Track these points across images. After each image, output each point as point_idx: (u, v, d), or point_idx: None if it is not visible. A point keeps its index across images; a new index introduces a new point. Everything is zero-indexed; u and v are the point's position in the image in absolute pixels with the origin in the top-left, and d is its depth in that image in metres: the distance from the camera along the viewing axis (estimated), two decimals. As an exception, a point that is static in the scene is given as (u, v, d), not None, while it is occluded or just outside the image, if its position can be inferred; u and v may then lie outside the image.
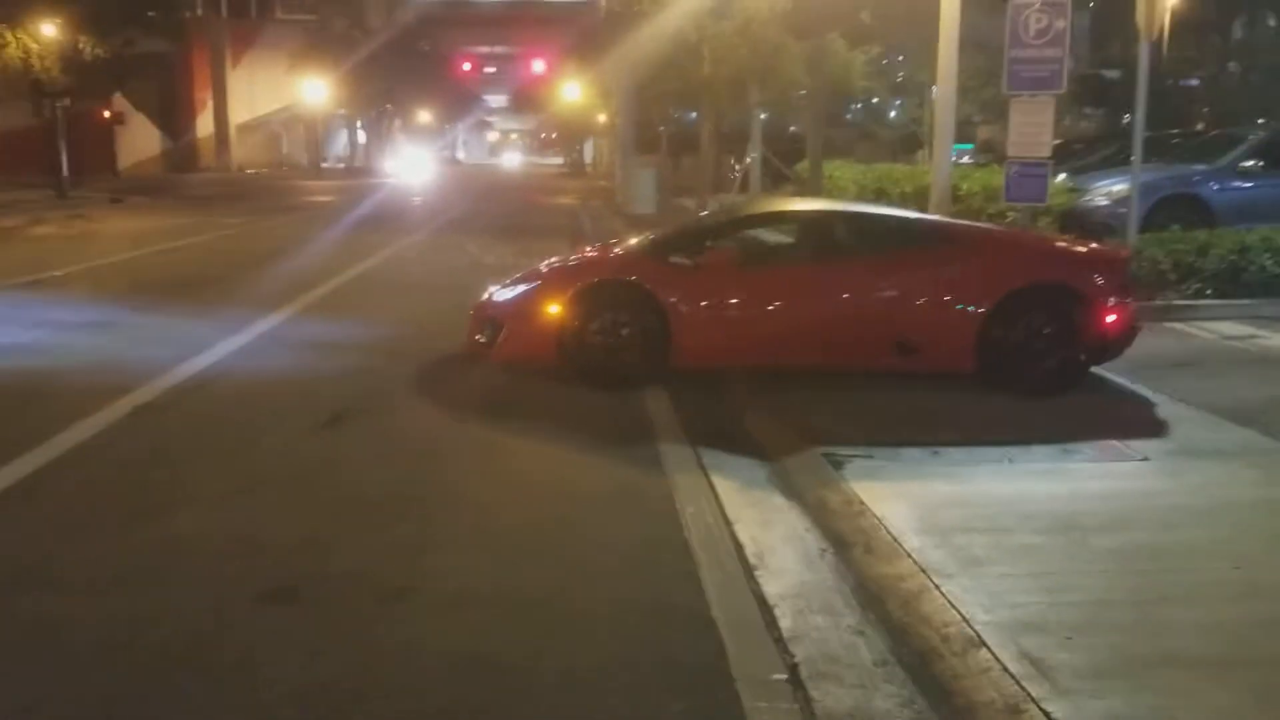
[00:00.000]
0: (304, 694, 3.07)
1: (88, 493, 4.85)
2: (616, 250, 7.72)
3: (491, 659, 3.28)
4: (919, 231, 7.45)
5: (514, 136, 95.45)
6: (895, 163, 21.89)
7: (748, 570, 4.04)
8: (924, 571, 3.76)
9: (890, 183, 16.13)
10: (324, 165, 51.19)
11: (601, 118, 43.62)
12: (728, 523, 4.54)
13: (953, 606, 3.48)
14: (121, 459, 5.34)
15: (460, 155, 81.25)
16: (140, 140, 42.95)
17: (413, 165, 51.51)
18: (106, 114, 35.35)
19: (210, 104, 48.54)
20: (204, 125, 48.39)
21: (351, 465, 5.30)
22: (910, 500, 4.50)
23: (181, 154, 45.85)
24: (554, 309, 6.84)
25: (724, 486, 5.01)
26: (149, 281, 11.95)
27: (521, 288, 7.23)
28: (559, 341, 6.82)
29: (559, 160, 72.18)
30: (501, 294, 7.30)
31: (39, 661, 3.26)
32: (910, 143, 25.31)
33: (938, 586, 3.64)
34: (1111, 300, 6.54)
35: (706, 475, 5.18)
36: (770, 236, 8.02)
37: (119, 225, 19.67)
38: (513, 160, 78.83)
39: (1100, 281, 6.64)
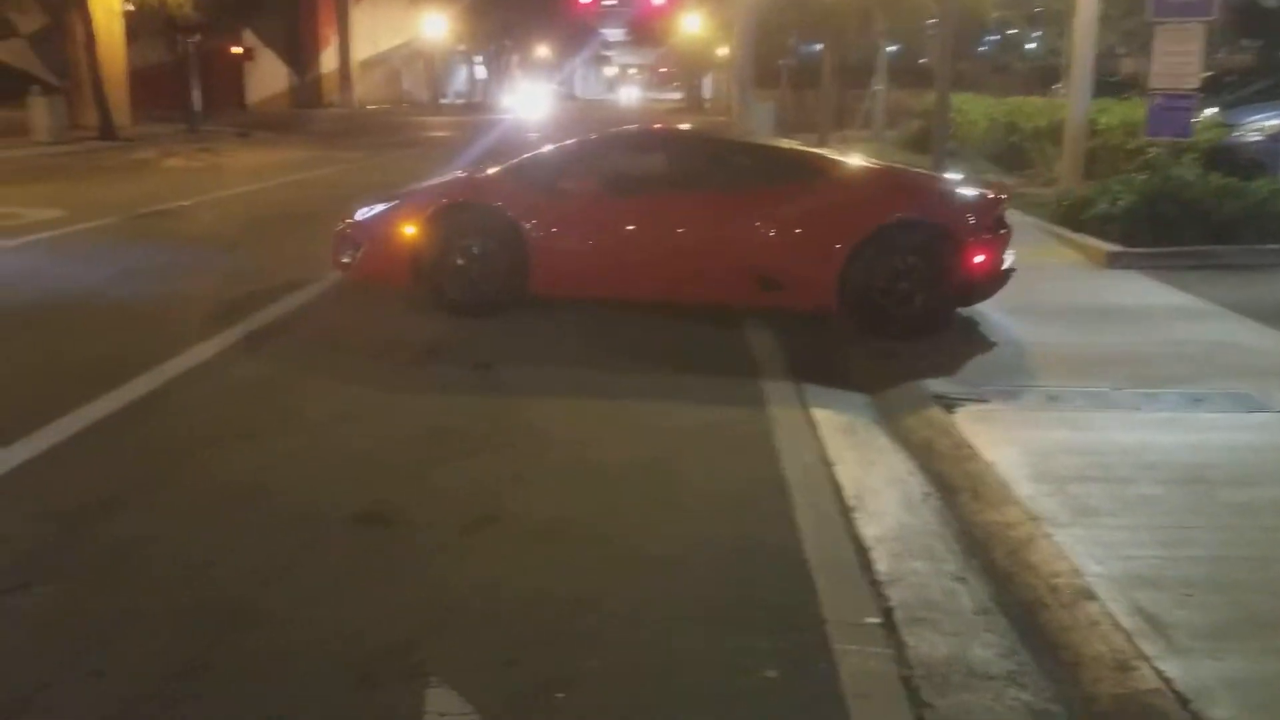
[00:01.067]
0: (384, 619, 3.08)
1: (193, 415, 4.98)
2: (484, 172, 7.44)
3: (570, 594, 3.24)
4: (785, 164, 7.21)
5: (631, 71, 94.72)
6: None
7: (845, 512, 3.90)
8: (1034, 519, 3.56)
9: (1023, 117, 15.38)
10: (443, 101, 51.71)
11: (721, 51, 42.85)
12: (828, 463, 4.39)
13: (1064, 556, 3.28)
14: (231, 383, 5.47)
15: (577, 91, 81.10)
16: (267, 76, 44.04)
17: (530, 101, 51.64)
18: (236, 50, 36.30)
19: (334, 40, 49.37)
20: (328, 61, 49.29)
21: (446, 395, 5.32)
22: (1023, 446, 4.27)
23: (306, 90, 46.85)
24: (410, 230, 6.80)
25: (826, 426, 4.86)
26: (268, 212, 12.26)
27: (380, 207, 7.12)
28: (414, 264, 6.79)
29: (677, 96, 71.34)
30: (363, 213, 7.15)
31: (129, 582, 3.33)
32: (1048, 77, 24.07)
33: (1048, 535, 3.43)
34: (981, 240, 6.25)
35: (808, 414, 5.04)
36: (637, 164, 7.49)
37: (243, 159, 20.22)
38: (630, 96, 78.16)
39: (970, 220, 6.36)
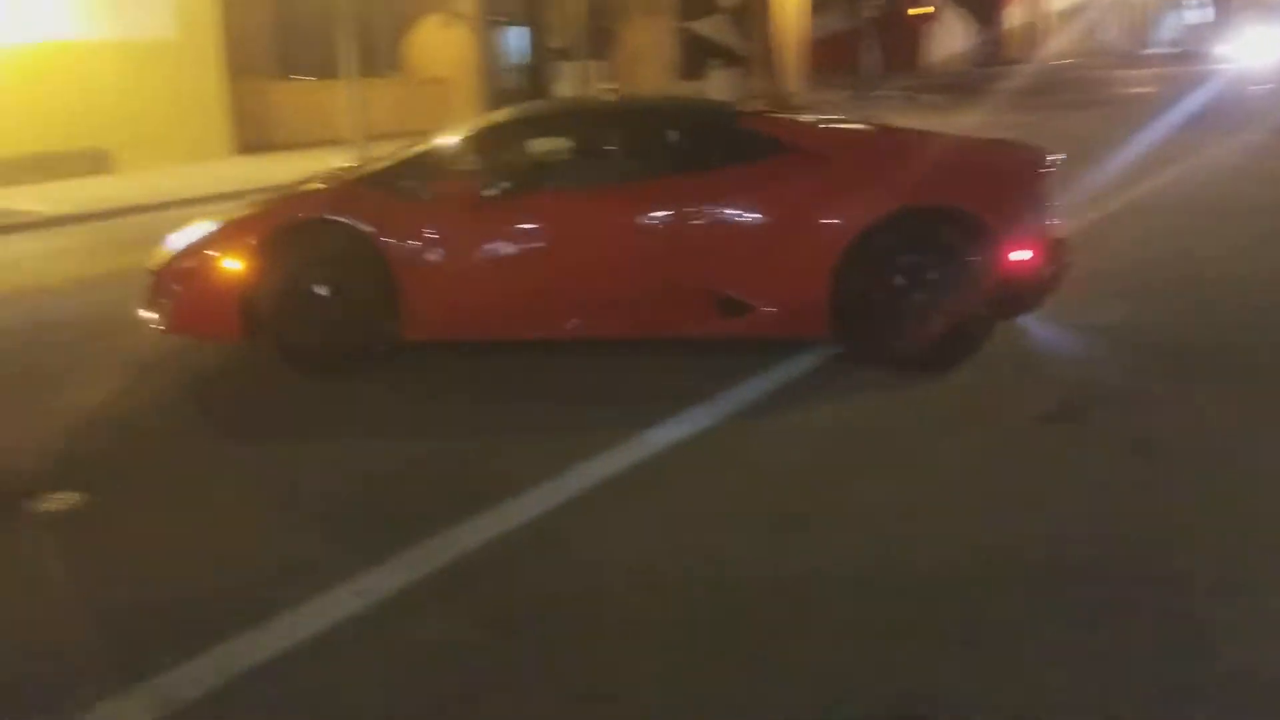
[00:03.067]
0: None
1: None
2: (339, 178, 5.66)
3: None
4: (743, 136, 5.33)
5: None
6: None
7: None
8: None
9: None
10: (1145, 52, 45.79)
11: None
12: None
13: None
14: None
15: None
16: (947, 36, 42.55)
17: (1257, 47, 43.35)
18: (918, 11, 35.38)
19: (1025, -8, 46.21)
20: (1017, 15, 46.33)
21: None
22: None
23: (988, 46, 44.48)
24: (232, 264, 5.05)
25: None
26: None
27: (196, 233, 5.29)
28: (242, 309, 5.03)
29: None
30: (178, 241, 5.34)
31: None
32: None
33: None
34: (1023, 229, 4.75)
35: None
36: (541, 150, 5.74)
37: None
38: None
39: (1009, 203, 4.83)
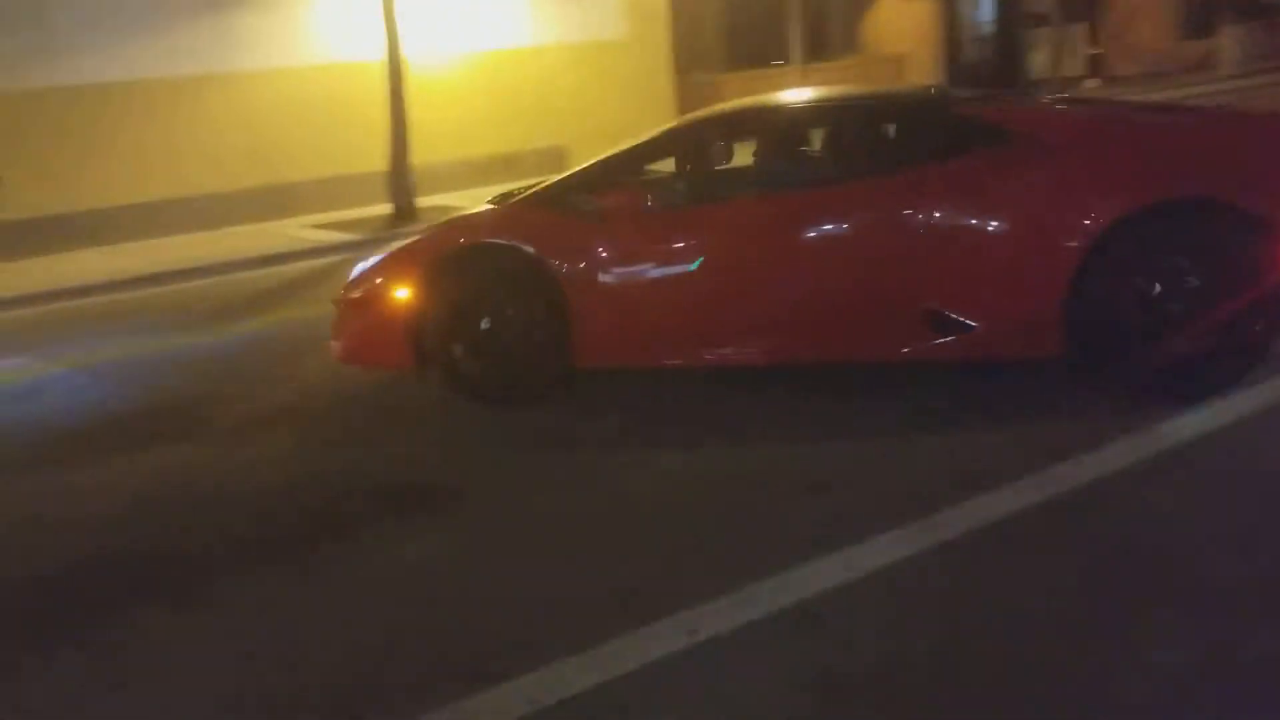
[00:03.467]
0: None
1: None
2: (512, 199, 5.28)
3: None
4: (959, 125, 4.57)
5: None
6: None
7: None
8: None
9: None
10: None
11: None
12: None
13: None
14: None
15: None
16: None
17: None
18: None
19: None
20: None
21: None
22: None
23: None
24: (399, 293, 4.94)
25: None
26: None
27: (369, 262, 5.31)
28: (411, 338, 4.91)
29: None
30: (355, 270, 5.40)
31: None
32: None
33: None
34: None
35: None
36: (721, 158, 5.35)
37: None
38: None
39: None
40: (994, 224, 4.35)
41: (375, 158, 12.70)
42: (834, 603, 3.10)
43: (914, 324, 4.44)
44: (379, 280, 5.15)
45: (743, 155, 5.59)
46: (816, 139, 5.33)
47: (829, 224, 4.64)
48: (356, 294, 5.23)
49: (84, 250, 11.81)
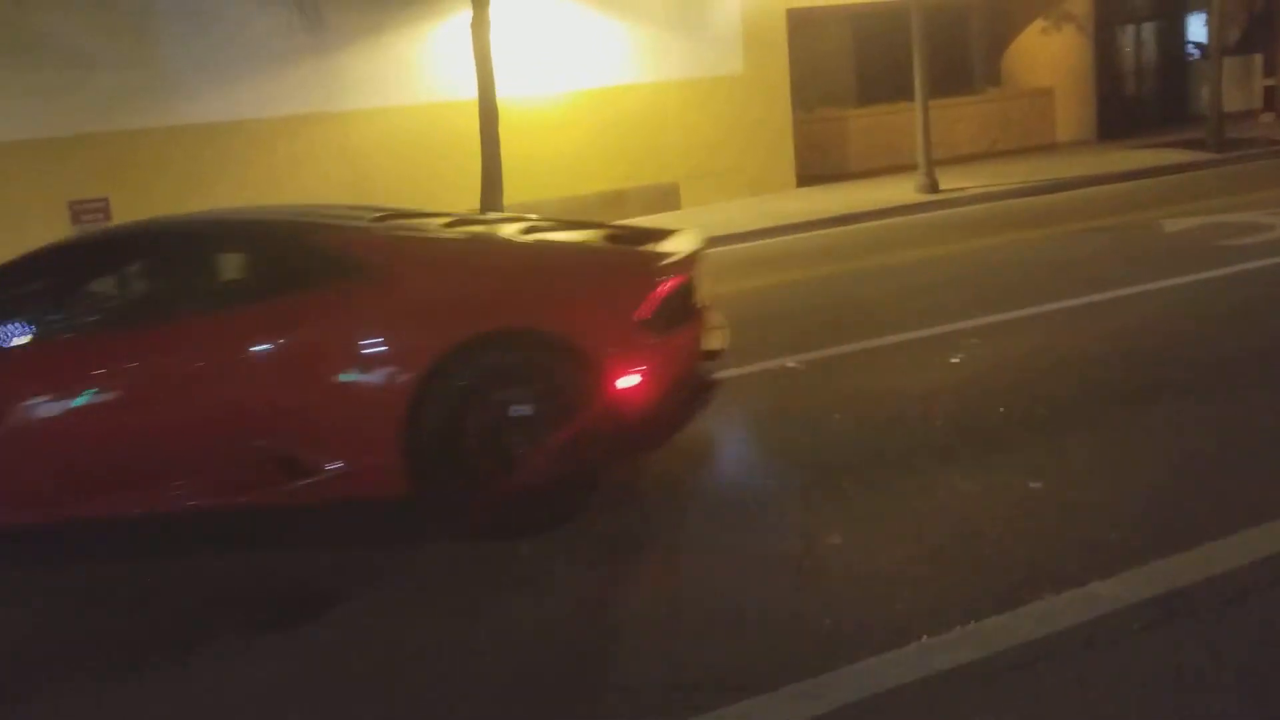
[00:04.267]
0: None
1: None
2: None
3: None
4: (309, 256, 4.38)
5: None
6: None
7: None
8: None
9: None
10: None
11: None
12: None
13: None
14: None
15: None
16: None
17: None
18: None
19: None
20: None
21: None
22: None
23: None
24: None
25: None
26: None
27: None
28: None
29: None
30: None
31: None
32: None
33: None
34: (631, 353, 4.14)
35: None
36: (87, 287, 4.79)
37: None
38: None
39: (611, 322, 4.23)
40: (318, 362, 4.13)
41: (470, 196, 12.44)
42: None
43: (268, 468, 4.13)
44: None
45: (105, 286, 4.96)
46: (168, 269, 4.84)
47: (161, 363, 4.23)
48: None
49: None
